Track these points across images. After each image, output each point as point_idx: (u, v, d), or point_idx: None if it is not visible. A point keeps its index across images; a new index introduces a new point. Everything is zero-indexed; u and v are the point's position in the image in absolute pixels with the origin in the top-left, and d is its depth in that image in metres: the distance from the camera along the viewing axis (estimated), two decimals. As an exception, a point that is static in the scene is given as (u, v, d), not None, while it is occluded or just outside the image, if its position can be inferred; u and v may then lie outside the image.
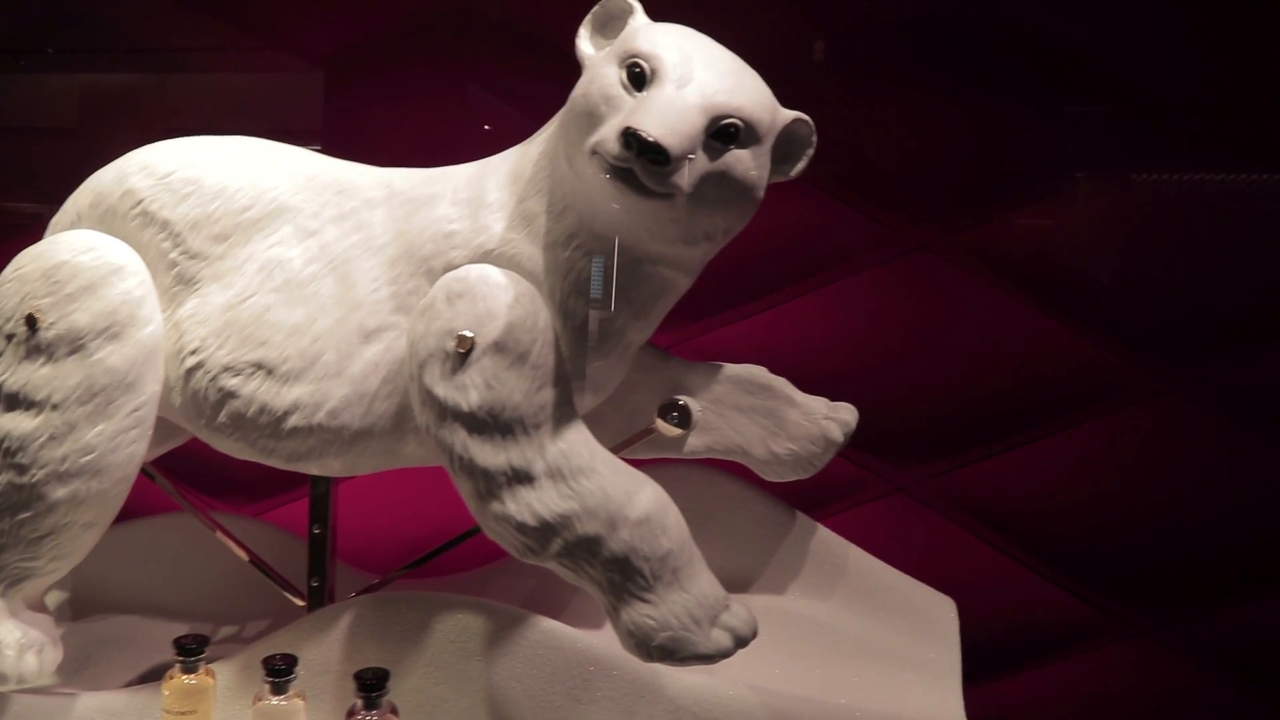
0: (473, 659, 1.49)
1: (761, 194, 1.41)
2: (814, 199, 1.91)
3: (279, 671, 1.41)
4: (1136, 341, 1.89)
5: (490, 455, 1.37)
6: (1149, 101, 1.86)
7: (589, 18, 1.45)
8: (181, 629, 1.85)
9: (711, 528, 1.75)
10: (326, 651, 1.53)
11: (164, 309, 1.51)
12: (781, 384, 1.68)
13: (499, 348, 1.37)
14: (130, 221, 1.51)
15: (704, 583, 1.39)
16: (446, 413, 1.38)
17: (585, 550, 1.36)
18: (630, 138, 1.23)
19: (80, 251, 1.47)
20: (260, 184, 1.52)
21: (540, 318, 1.40)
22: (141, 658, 1.78)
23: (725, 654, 1.37)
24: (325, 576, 1.67)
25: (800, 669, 1.63)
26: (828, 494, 1.96)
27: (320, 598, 1.67)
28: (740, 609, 1.41)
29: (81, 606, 1.91)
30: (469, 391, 1.37)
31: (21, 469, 1.43)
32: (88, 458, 1.44)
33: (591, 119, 1.33)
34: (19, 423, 1.44)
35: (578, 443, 1.39)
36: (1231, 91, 1.84)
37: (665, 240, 1.38)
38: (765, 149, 1.38)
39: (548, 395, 1.39)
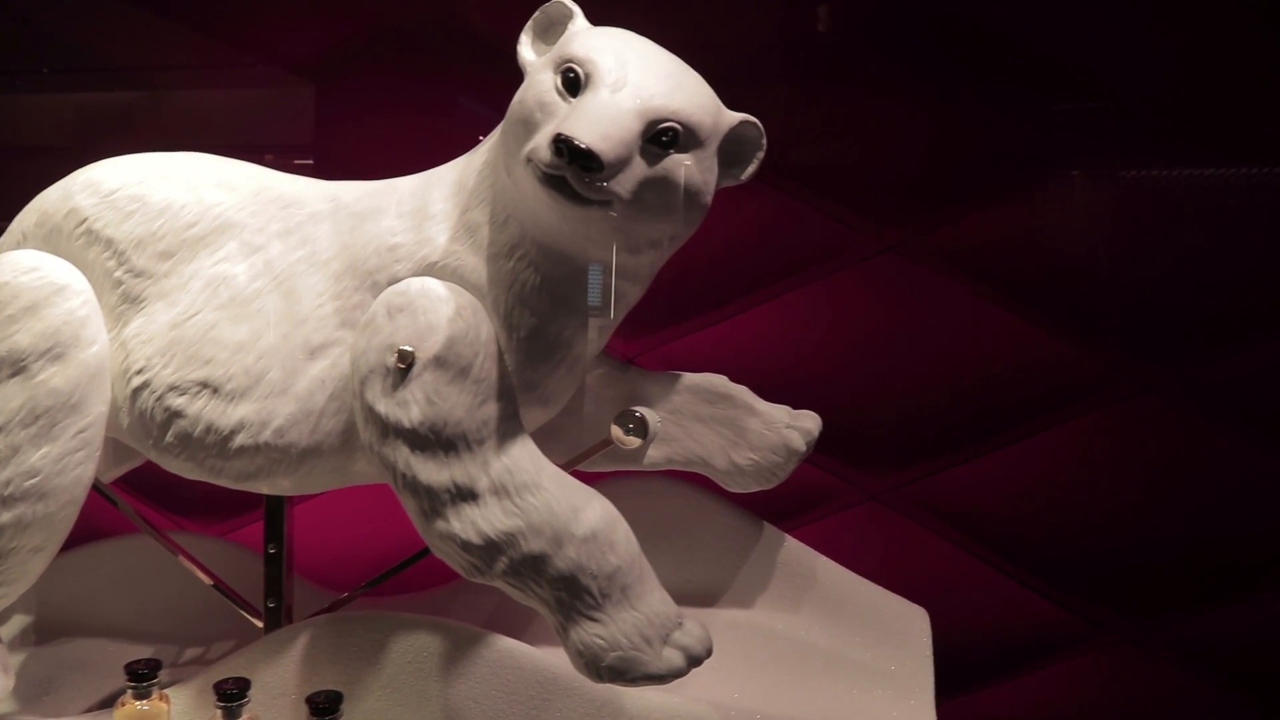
0: (430, 679, 1.47)
1: (709, 199, 1.38)
2: (778, 202, 1.88)
3: (230, 696, 1.38)
4: (1110, 342, 1.85)
5: (433, 472, 1.34)
6: (1117, 98, 1.83)
7: (530, 23, 1.43)
8: (145, 651, 1.85)
9: (676, 541, 1.73)
10: (282, 674, 1.51)
11: (110, 328, 1.49)
12: (742, 392, 1.65)
13: (440, 362, 1.34)
14: (75, 240, 1.50)
15: (655, 600, 1.36)
16: (388, 430, 1.35)
17: (531, 569, 1.33)
18: (561, 144, 1.20)
19: (22, 272, 1.46)
20: (205, 200, 1.50)
21: (482, 330, 1.37)
22: (105, 681, 1.76)
23: (677, 673, 1.34)
24: (281, 597, 1.65)
25: (767, 684, 1.60)
26: (798, 504, 1.93)
27: (277, 619, 1.65)
28: (694, 626, 1.37)
29: (45, 630, 1.89)
30: (410, 408, 1.34)
31: (-36, 494, 1.41)
32: (32, 481, 1.42)
33: (527, 126, 1.30)
34: (-39, 447, 1.42)
35: (523, 458, 1.36)
36: (1200, 87, 1.81)
37: (608, 249, 1.35)
38: (709, 152, 1.35)
39: (491, 410, 1.36)
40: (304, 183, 1.55)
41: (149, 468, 1.72)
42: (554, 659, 1.45)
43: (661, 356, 1.94)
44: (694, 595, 1.72)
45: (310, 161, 2.05)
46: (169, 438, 1.46)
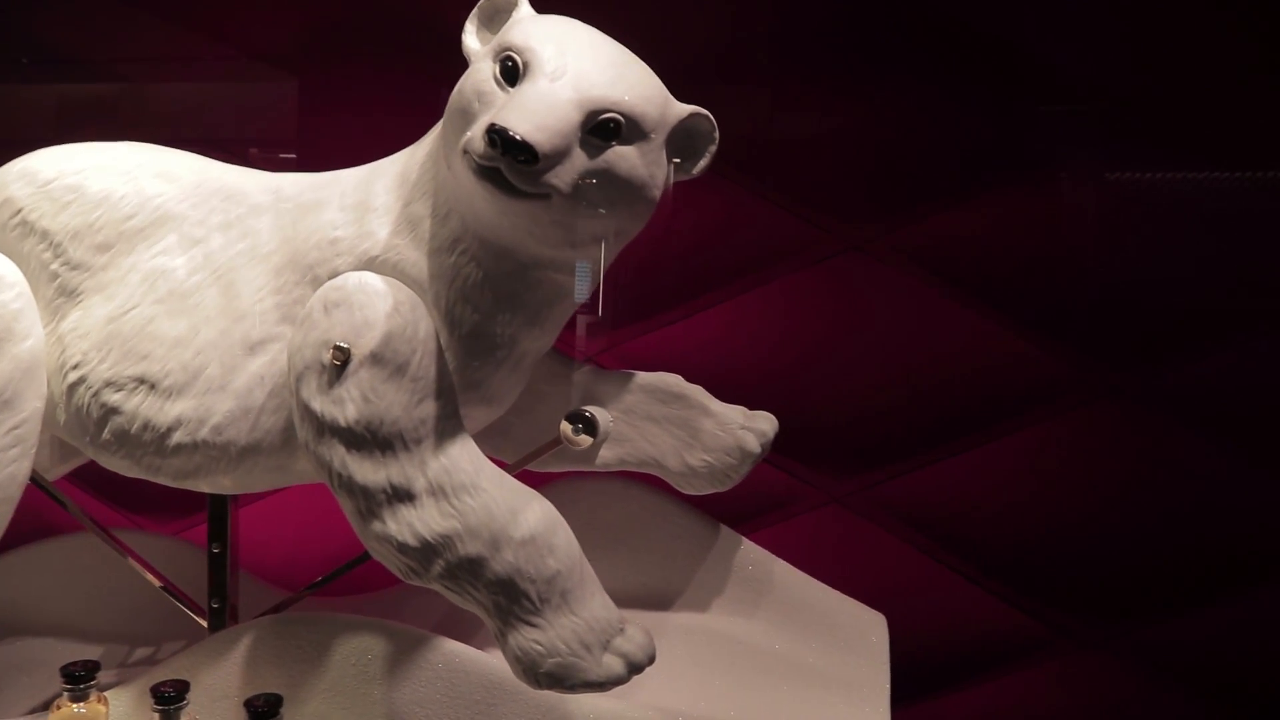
0: (374, 683, 1.44)
1: (655, 193, 1.34)
2: (739, 199, 1.86)
3: (168, 699, 1.35)
4: (1075, 344, 1.84)
5: (369, 472, 1.30)
6: (1085, 99, 1.81)
7: (475, 11, 1.39)
8: (94, 652, 1.82)
9: (630, 543, 1.71)
10: (224, 676, 1.48)
11: (47, 322, 1.46)
12: (696, 392, 1.62)
13: (376, 359, 1.30)
14: (10, 231, 1.46)
15: (595, 605, 1.32)
16: (324, 428, 1.32)
17: (468, 572, 1.30)
18: (495, 135, 1.17)
19: None
20: (145, 191, 1.47)
21: (421, 327, 1.33)
22: (50, 683, 1.72)
23: (617, 681, 1.31)
24: (226, 597, 1.61)
25: (719, 690, 1.57)
26: (759, 506, 1.91)
27: (221, 619, 1.62)
28: (636, 633, 1.34)
29: (-9, 630, 1.86)
30: (346, 405, 1.30)
31: (-105, 491, 1.38)
32: (-37, 479, 1.39)
33: (465, 117, 1.27)
34: (-109, 444, 1.39)
35: (461, 458, 1.33)
36: (1169, 89, 1.78)
37: (550, 244, 1.32)
38: (656, 145, 1.32)
39: (429, 409, 1.32)
40: (247, 174, 1.52)
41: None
42: (501, 663, 1.41)
43: (620, 355, 1.92)
44: (648, 599, 1.69)
45: (293, 155, 2.02)
46: (106, 435, 1.43)
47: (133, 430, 1.41)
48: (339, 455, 1.31)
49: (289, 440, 1.40)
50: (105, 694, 1.44)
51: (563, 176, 1.23)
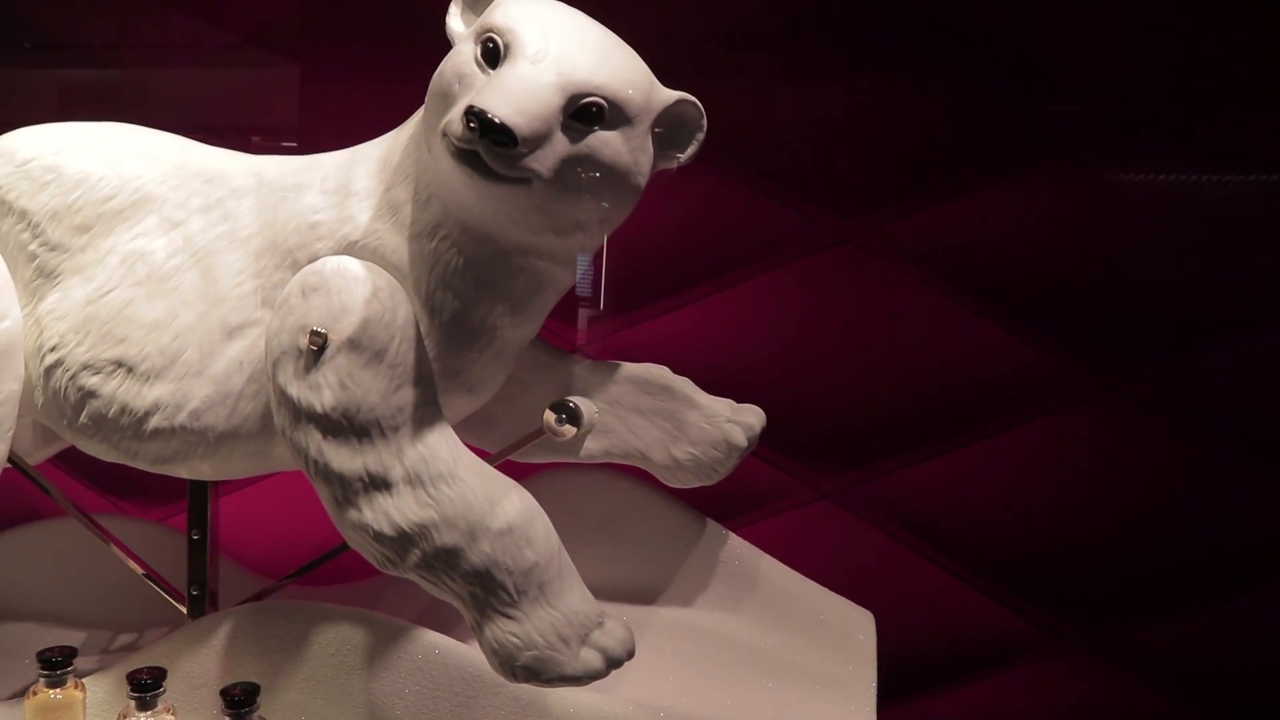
0: (353, 673, 1.43)
1: (640, 180, 1.32)
2: (731, 191, 1.84)
3: (144, 686, 1.34)
4: (1070, 342, 1.82)
5: (346, 460, 1.28)
6: (1083, 97, 1.78)
7: None
8: (76, 638, 1.81)
9: (615, 536, 1.69)
10: (203, 664, 1.47)
11: (25, 304, 1.44)
12: (683, 384, 1.60)
13: (354, 345, 1.28)
14: None
15: (574, 598, 1.30)
16: (300, 414, 1.29)
17: (444, 562, 1.27)
18: (473, 117, 1.14)
19: None
20: (125, 172, 1.45)
21: (400, 313, 1.31)
22: (29, 669, 1.72)
23: (595, 675, 1.28)
24: (205, 584, 1.60)
25: (703, 687, 1.56)
26: (748, 501, 1.89)
27: (201, 606, 1.60)
28: (615, 627, 1.32)
29: (-28, 616, 1.85)
30: (323, 391, 1.28)
31: None
32: (-62, 461, 1.37)
33: (446, 100, 1.25)
34: None
35: (440, 447, 1.30)
36: (1169, 90, 1.76)
37: (532, 230, 1.29)
38: (640, 131, 1.29)
39: (407, 396, 1.30)
40: (228, 156, 1.50)
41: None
42: (481, 656, 1.38)
43: (609, 347, 1.90)
44: (632, 593, 1.67)
45: (295, 145, 2.01)
46: (83, 418, 1.41)
47: (110, 414, 1.40)
48: (315, 442, 1.29)
49: (268, 426, 1.39)
50: (83, 680, 1.43)
51: (543, 161, 1.20)
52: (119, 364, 1.39)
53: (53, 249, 1.43)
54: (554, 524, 1.34)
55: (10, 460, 1.54)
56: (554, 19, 1.26)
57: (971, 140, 1.80)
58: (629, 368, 1.60)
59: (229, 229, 1.42)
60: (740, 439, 1.57)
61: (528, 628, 1.27)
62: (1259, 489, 1.80)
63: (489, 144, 1.16)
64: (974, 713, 1.91)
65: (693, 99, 1.35)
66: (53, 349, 1.41)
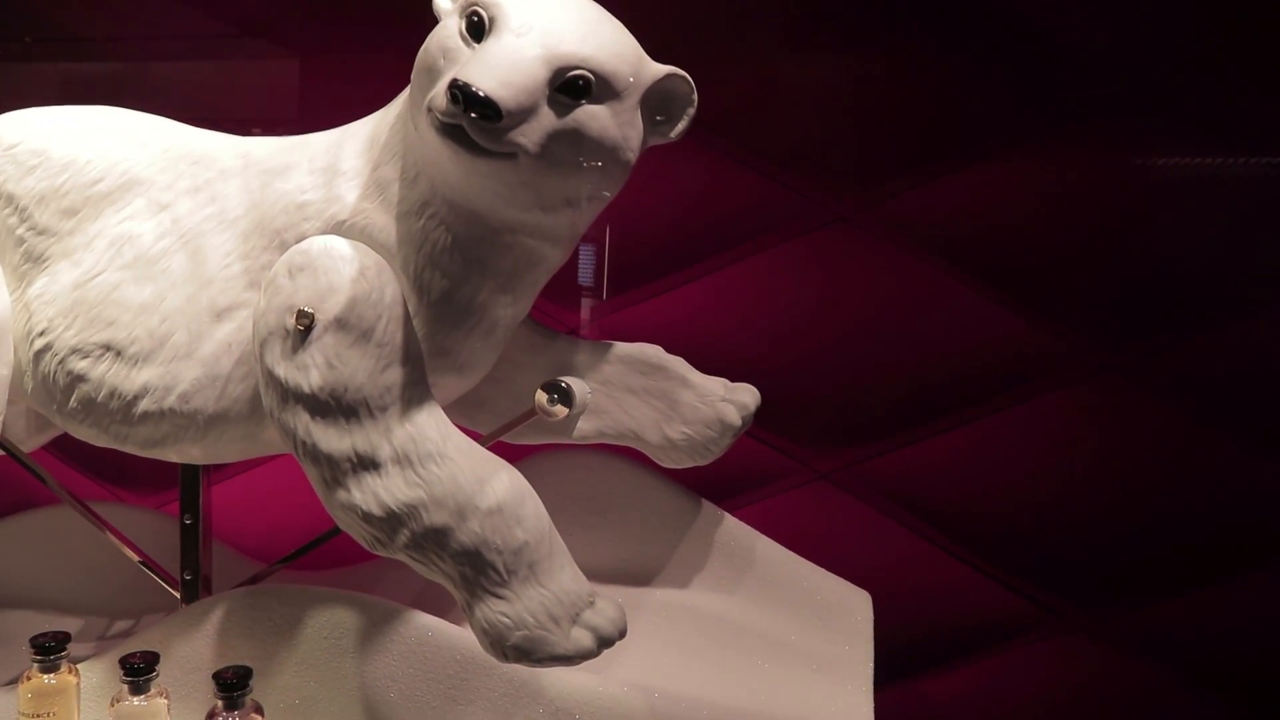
0: (346, 657, 1.43)
1: (629, 155, 1.30)
2: (725, 168, 1.81)
3: (137, 670, 1.34)
4: (1067, 320, 1.79)
5: (334, 440, 1.27)
6: (1080, 71, 1.75)
7: None
8: (73, 624, 1.81)
9: (610, 517, 1.69)
10: (197, 648, 1.47)
11: (13, 289, 1.44)
12: (676, 364, 1.58)
13: (341, 324, 1.27)
14: None
15: (565, 578, 1.29)
16: (288, 394, 1.29)
17: (434, 542, 1.27)
18: (457, 91, 1.13)
19: None
20: (112, 155, 1.44)
21: (387, 292, 1.30)
22: (26, 656, 1.72)
23: (586, 655, 1.27)
24: (198, 568, 1.60)
25: (699, 668, 1.55)
26: (745, 482, 1.88)
27: (194, 591, 1.60)
28: (607, 606, 1.31)
29: (-30, 604, 1.86)
30: (310, 371, 1.27)
31: None
32: (-73, 446, 1.37)
33: (431, 75, 1.23)
34: None
35: (428, 426, 1.30)
36: (1169, 68, 1.73)
37: (520, 206, 1.28)
38: (629, 105, 1.28)
39: (395, 375, 1.29)
40: (216, 138, 1.49)
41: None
42: (474, 638, 1.38)
43: (604, 328, 1.89)
44: (627, 574, 1.67)
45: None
46: (73, 403, 1.41)
47: (99, 398, 1.39)
48: (303, 422, 1.28)
49: (257, 409, 1.38)
50: (77, 665, 1.43)
51: (529, 135, 1.19)
52: (107, 347, 1.39)
53: (40, 233, 1.42)
54: (548, 506, 1.33)
55: (4, 448, 1.54)
56: None
57: (969, 116, 1.78)
58: (622, 347, 1.59)
59: (217, 210, 1.41)
60: (734, 418, 1.55)
61: (518, 607, 1.26)
62: (1261, 467, 1.78)
63: (473, 118, 1.15)
64: (972, 693, 1.89)
65: (683, 73, 1.33)
66: (41, 333, 1.40)
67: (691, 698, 1.46)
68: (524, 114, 1.17)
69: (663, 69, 1.32)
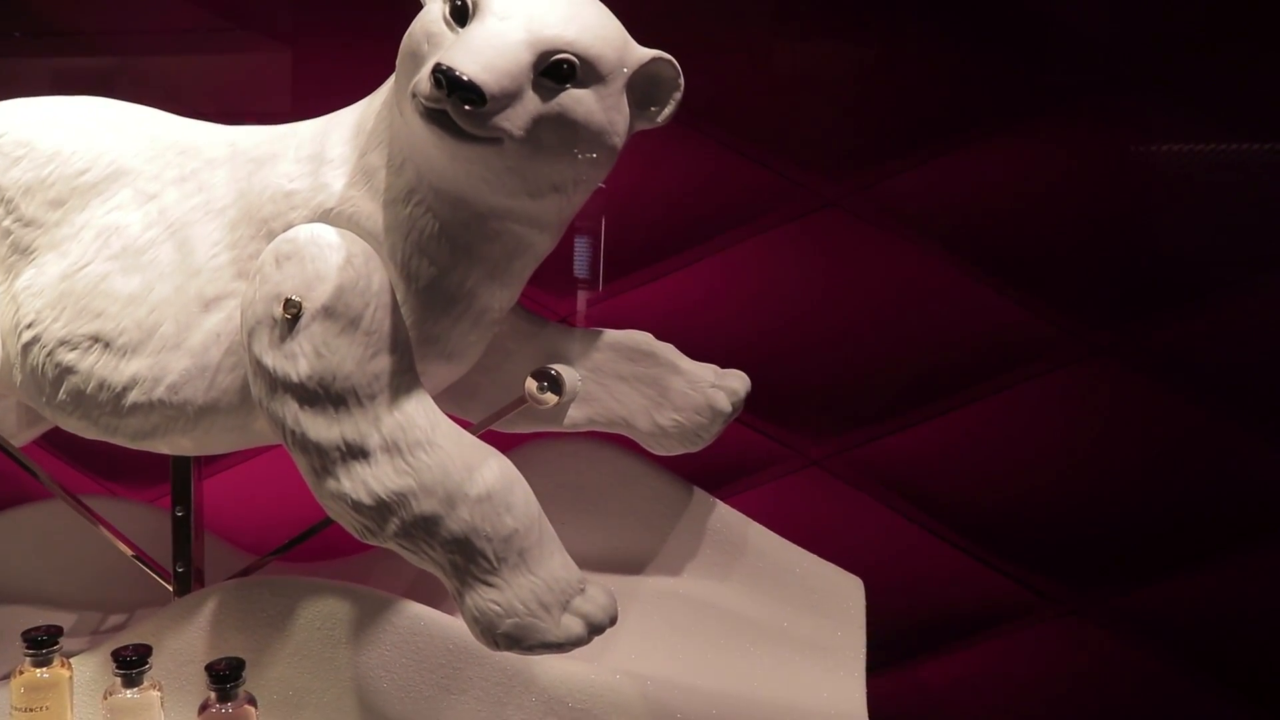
0: (339, 647, 1.43)
1: (616, 140, 1.30)
2: (714, 154, 1.81)
3: (129, 663, 1.34)
4: (1060, 302, 1.79)
5: (323, 429, 1.27)
6: (1069, 54, 1.75)
7: None
8: (67, 618, 1.80)
9: (602, 505, 1.68)
10: (189, 640, 1.47)
11: (0, 281, 1.43)
12: (666, 350, 1.58)
13: (328, 312, 1.27)
14: None
15: (555, 565, 1.29)
16: (276, 384, 1.28)
17: (423, 530, 1.26)
18: (440, 75, 1.13)
19: None
20: (98, 145, 1.44)
21: (374, 280, 1.30)
22: (19, 651, 1.72)
23: (577, 642, 1.27)
24: (190, 561, 1.59)
25: (691, 655, 1.54)
26: (737, 469, 1.88)
27: (186, 583, 1.60)
28: (597, 593, 1.31)
29: (-37, 599, 1.85)
30: (298, 360, 1.27)
31: None
32: (-85, 440, 1.37)
33: (415, 60, 1.23)
34: None
35: (417, 414, 1.29)
36: (1160, 50, 1.73)
37: (506, 192, 1.28)
38: (614, 90, 1.27)
39: (384, 363, 1.29)
40: (203, 128, 1.48)
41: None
42: (466, 627, 1.39)
43: (593, 315, 1.89)
44: (619, 562, 1.66)
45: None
46: (61, 395, 1.40)
47: (88, 390, 1.39)
48: (292, 412, 1.28)
49: (247, 399, 1.37)
50: (70, 659, 1.43)
51: (514, 120, 1.18)
52: (96, 339, 1.38)
53: (27, 225, 1.42)
54: (538, 494, 1.32)
55: (-6, 441, 1.54)
56: None
57: (960, 99, 1.78)
58: (611, 334, 1.59)
59: (204, 200, 1.41)
60: (724, 404, 1.55)
61: (508, 595, 1.26)
62: (1253, 449, 1.79)
63: (457, 102, 1.14)
64: (965, 678, 1.89)
65: (669, 57, 1.33)
66: (29, 326, 1.40)
67: (684, 684, 1.45)
68: (508, 98, 1.17)
69: (648, 53, 1.32)
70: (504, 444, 1.45)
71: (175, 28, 2.03)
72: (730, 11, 1.81)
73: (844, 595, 1.64)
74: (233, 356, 1.37)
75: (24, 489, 1.88)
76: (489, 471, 1.28)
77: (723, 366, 1.61)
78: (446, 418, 1.33)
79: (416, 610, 1.42)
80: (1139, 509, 1.83)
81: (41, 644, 1.38)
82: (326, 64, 1.97)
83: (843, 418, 1.88)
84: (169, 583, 1.61)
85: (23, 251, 1.42)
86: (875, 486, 1.89)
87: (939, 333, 1.83)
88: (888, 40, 1.78)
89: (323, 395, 1.27)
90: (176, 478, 1.58)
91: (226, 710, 1.31)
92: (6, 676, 1.60)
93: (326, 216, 1.34)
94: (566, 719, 1.37)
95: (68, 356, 1.39)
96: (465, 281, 1.34)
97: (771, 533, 1.68)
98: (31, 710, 1.38)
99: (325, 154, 1.36)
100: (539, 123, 1.21)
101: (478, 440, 1.32)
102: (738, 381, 1.58)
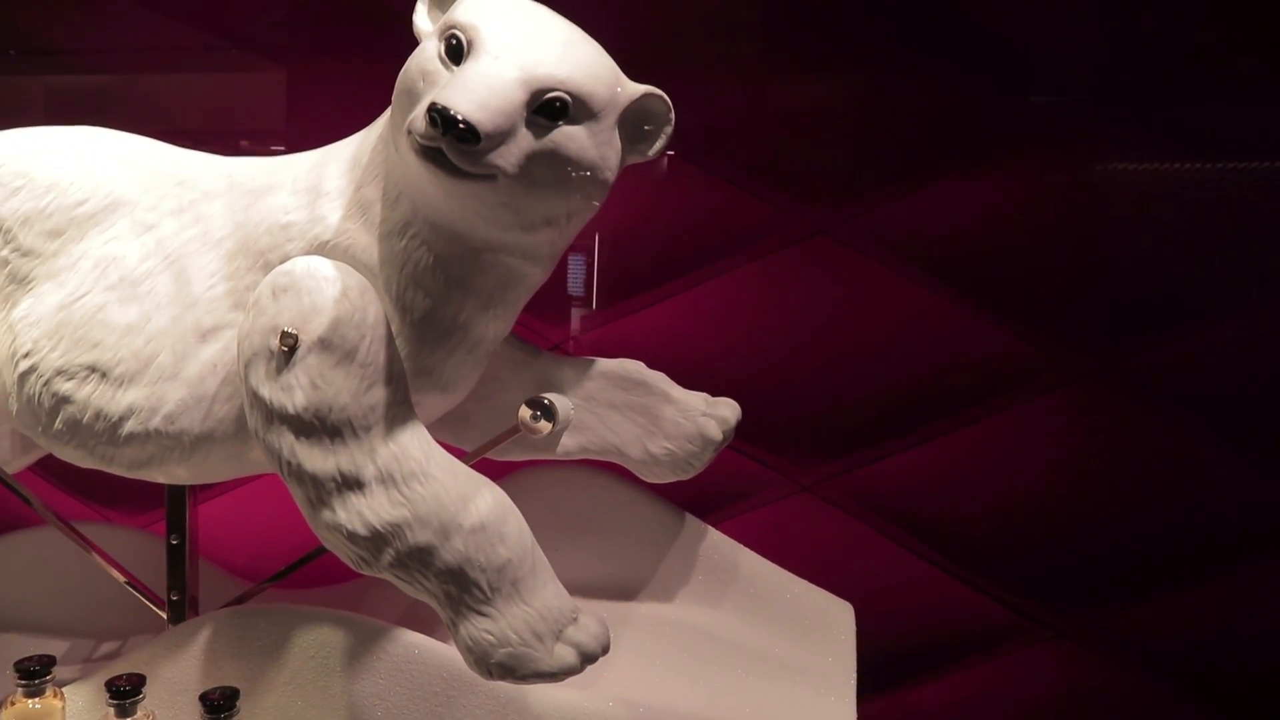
0: (333, 675, 1.43)
1: (608, 175, 1.32)
2: (706, 184, 1.83)
3: (123, 693, 1.33)
4: (1048, 328, 1.81)
5: (319, 460, 1.28)
6: (1053, 83, 1.77)
7: None
8: (60, 646, 1.80)
9: (594, 533, 1.69)
10: (183, 669, 1.47)
11: (-2, 311, 1.44)
12: (658, 379, 1.60)
13: (324, 345, 1.28)
14: None
15: (548, 594, 1.30)
16: (273, 415, 1.29)
17: (418, 561, 1.27)
18: (435, 114, 1.15)
19: None
20: (96, 176, 1.45)
21: (370, 312, 1.31)
22: (10, 680, 1.72)
23: (570, 671, 1.28)
24: (185, 589, 1.60)
25: (683, 682, 1.55)
26: (726, 495, 1.89)
27: (181, 612, 1.60)
28: (590, 622, 1.32)
29: (-42, 627, 1.85)
30: (294, 392, 1.28)
31: None
32: (-88, 469, 1.37)
33: (411, 97, 1.25)
34: None
35: (411, 445, 1.31)
36: (1138, 77, 1.76)
37: (500, 226, 1.30)
38: (606, 125, 1.29)
39: (379, 395, 1.30)
40: (201, 159, 1.50)
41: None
42: (459, 654, 1.40)
43: (587, 344, 1.90)
44: (612, 589, 1.67)
45: (283, 148, 2.00)
46: (58, 424, 1.41)
47: (85, 420, 1.39)
48: (288, 443, 1.29)
49: (243, 429, 1.38)
50: (62, 689, 1.43)
51: (507, 157, 1.20)
52: (93, 369, 1.39)
53: (25, 254, 1.43)
54: (531, 522, 1.34)
55: (-12, 469, 1.55)
56: (517, 14, 1.27)
57: (945, 129, 1.80)
58: (604, 363, 1.60)
59: (201, 231, 1.42)
60: (715, 432, 1.57)
61: (502, 625, 1.27)
62: (1236, 470, 1.80)
63: (452, 140, 1.16)
64: (955, 702, 1.90)
65: (660, 93, 1.35)
66: (26, 355, 1.40)
67: (676, 711, 1.46)
68: (502, 136, 1.19)
69: (640, 88, 1.34)
70: (497, 471, 1.46)
71: (170, 47, 2.04)
72: (721, 45, 1.83)
73: (834, 620, 1.65)
74: (229, 387, 1.38)
75: (17, 515, 1.87)
76: (483, 502, 1.29)
77: (714, 393, 1.63)
78: (441, 449, 1.34)
79: (411, 639, 1.42)
80: (1126, 532, 1.85)
81: (34, 674, 1.37)
82: (321, 84, 1.98)
83: (833, 444, 1.89)
84: (163, 610, 1.61)
85: (20, 281, 1.43)
86: (865, 512, 1.90)
87: (926, 359, 1.84)
88: (877, 73, 1.81)
89: (319, 427, 1.28)
90: (171, 504, 1.59)
91: (221, 739, 1.31)
92: (-1, 705, 1.60)
93: (323, 249, 1.35)
94: (560, 746, 1.38)
95: (64, 386, 1.39)
96: (460, 313, 1.36)
97: (763, 558, 1.69)
98: (24, 740, 1.38)
99: (322, 186, 1.38)
100: (532, 159, 1.23)
101: (472, 471, 1.34)
102: (728, 410, 1.59)
